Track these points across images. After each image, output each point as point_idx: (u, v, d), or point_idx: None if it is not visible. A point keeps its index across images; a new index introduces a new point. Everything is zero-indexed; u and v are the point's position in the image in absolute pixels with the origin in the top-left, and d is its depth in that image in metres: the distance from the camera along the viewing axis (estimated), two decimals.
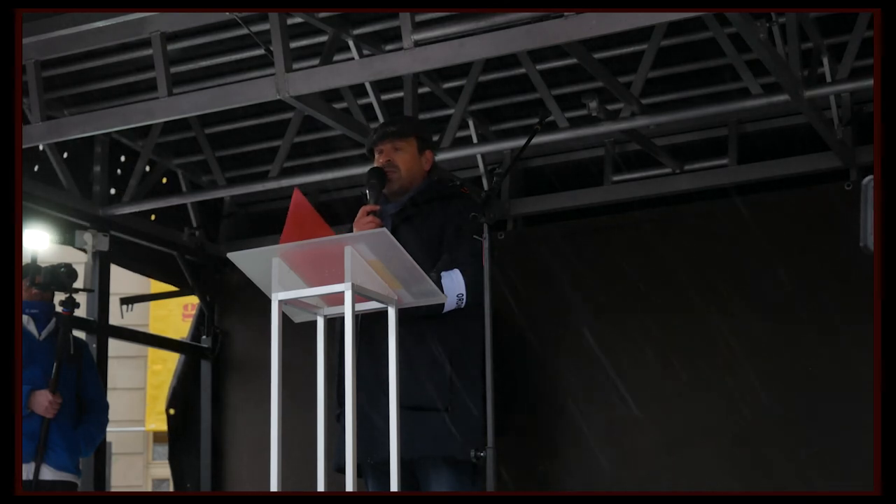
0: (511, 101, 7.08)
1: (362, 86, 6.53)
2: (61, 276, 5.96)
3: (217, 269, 8.21)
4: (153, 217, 7.89)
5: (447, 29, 5.41)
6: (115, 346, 7.53)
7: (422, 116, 6.71)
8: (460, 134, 6.85)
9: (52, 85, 6.64)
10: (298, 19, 5.76)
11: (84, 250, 7.36)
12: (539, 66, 6.54)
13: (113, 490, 14.77)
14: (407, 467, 4.09)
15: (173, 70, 5.99)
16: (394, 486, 3.82)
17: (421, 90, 6.64)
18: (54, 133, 6.18)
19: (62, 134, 6.21)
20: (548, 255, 7.19)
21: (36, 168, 7.17)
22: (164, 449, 14.68)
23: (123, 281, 8.82)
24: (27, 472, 5.66)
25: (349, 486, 3.73)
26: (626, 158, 7.19)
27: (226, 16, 5.56)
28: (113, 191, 7.59)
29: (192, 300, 8.96)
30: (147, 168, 7.62)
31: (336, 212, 6.26)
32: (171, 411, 8.30)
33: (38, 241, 7.06)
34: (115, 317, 7.61)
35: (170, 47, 5.86)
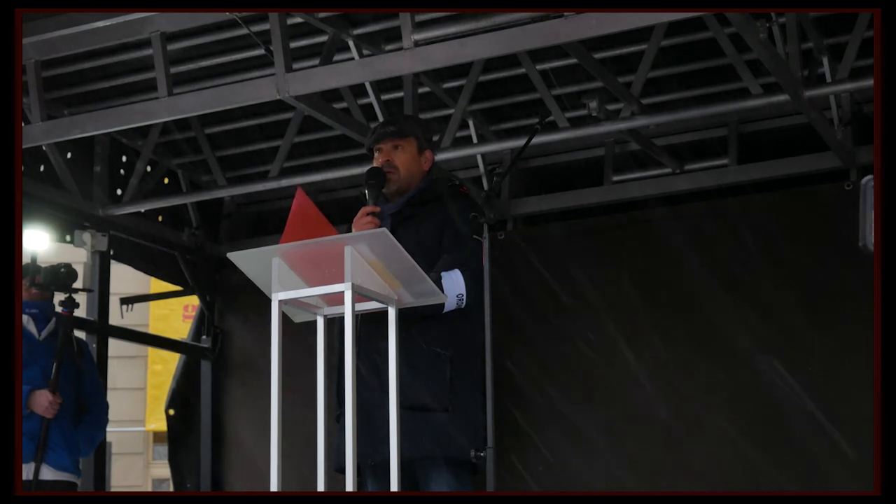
0: (511, 101, 7.08)
1: (362, 86, 6.53)
2: (61, 276, 5.96)
3: (217, 269, 8.21)
4: (160, 218, 7.90)
5: (447, 29, 5.41)
6: (115, 346, 7.54)
7: (422, 116, 6.70)
8: (460, 134, 6.85)
9: (52, 85, 6.64)
10: (298, 19, 5.76)
11: (84, 250, 7.36)
12: (539, 66, 6.54)
13: (113, 490, 14.77)
14: (407, 467, 4.08)
15: (173, 70, 5.99)
16: (394, 486, 3.82)
17: (421, 90, 6.64)
18: (54, 133, 6.18)
19: (62, 134, 6.21)
20: (548, 255, 7.18)
21: (42, 168, 7.17)
22: (164, 449, 14.66)
23: (123, 281, 8.82)
24: (27, 472, 5.66)
25: (349, 486, 3.72)
26: (626, 158, 7.19)
27: (226, 16, 5.56)
28: (119, 191, 7.59)
29: (192, 300, 8.97)
30: (147, 168, 7.62)
31: (336, 212, 6.26)
32: (171, 412, 8.30)
33: (38, 241, 7.07)
34: (115, 317, 7.62)
35: (170, 47, 5.86)
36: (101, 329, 7.36)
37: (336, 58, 5.92)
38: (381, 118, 6.51)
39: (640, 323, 6.95)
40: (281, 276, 3.89)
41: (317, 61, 5.68)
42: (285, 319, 3.95)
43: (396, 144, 4.53)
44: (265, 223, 8.12)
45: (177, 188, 7.94)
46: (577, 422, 6.99)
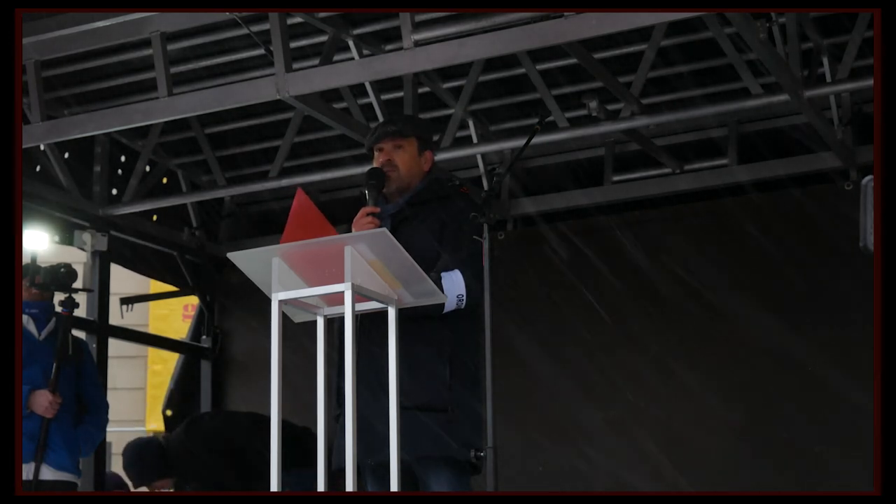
0: (511, 101, 7.08)
1: (362, 86, 6.53)
2: (61, 276, 5.95)
3: (217, 269, 8.20)
4: (155, 218, 7.89)
5: (447, 29, 5.40)
6: (115, 346, 7.53)
7: (422, 116, 6.70)
8: (460, 134, 6.85)
9: (52, 85, 6.64)
10: (298, 19, 5.76)
11: (84, 250, 7.36)
12: (539, 66, 6.53)
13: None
14: (407, 467, 4.08)
15: (173, 70, 5.98)
16: (394, 486, 3.81)
17: (421, 90, 6.64)
18: (54, 133, 6.18)
19: (62, 134, 6.21)
20: (548, 255, 7.19)
21: (38, 168, 7.17)
22: None
23: (123, 281, 8.81)
24: (27, 472, 5.66)
25: (349, 486, 3.72)
26: (626, 158, 7.19)
27: (226, 16, 5.56)
28: (114, 191, 7.59)
29: (192, 300, 8.97)
30: (147, 168, 7.62)
31: (336, 212, 6.26)
32: (168, 413, 8.29)
33: (38, 241, 7.06)
34: (115, 317, 7.61)
35: (170, 47, 5.86)
36: (101, 329, 7.35)
37: (336, 58, 5.92)
38: (381, 118, 6.51)
39: (640, 322, 6.95)
40: (281, 276, 3.89)
41: (317, 61, 5.68)
42: (285, 319, 3.95)
43: (397, 144, 4.52)
44: (265, 223, 8.12)
45: (176, 188, 7.94)
46: (577, 421, 6.99)
